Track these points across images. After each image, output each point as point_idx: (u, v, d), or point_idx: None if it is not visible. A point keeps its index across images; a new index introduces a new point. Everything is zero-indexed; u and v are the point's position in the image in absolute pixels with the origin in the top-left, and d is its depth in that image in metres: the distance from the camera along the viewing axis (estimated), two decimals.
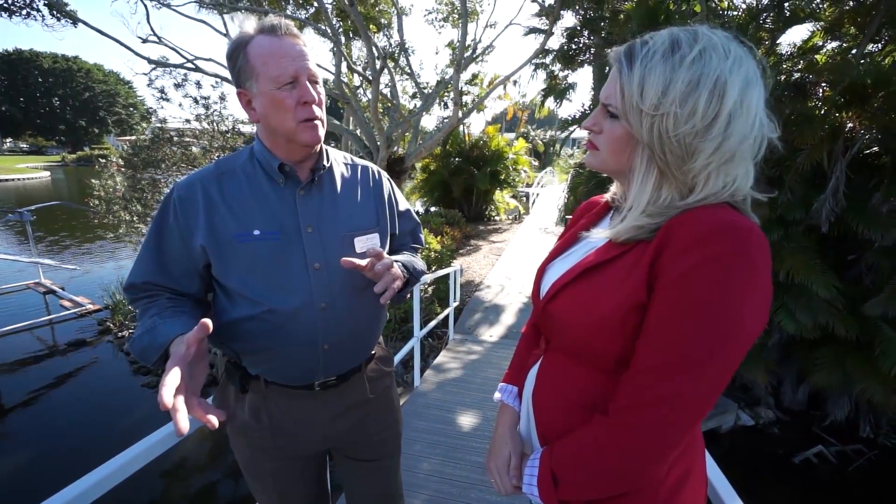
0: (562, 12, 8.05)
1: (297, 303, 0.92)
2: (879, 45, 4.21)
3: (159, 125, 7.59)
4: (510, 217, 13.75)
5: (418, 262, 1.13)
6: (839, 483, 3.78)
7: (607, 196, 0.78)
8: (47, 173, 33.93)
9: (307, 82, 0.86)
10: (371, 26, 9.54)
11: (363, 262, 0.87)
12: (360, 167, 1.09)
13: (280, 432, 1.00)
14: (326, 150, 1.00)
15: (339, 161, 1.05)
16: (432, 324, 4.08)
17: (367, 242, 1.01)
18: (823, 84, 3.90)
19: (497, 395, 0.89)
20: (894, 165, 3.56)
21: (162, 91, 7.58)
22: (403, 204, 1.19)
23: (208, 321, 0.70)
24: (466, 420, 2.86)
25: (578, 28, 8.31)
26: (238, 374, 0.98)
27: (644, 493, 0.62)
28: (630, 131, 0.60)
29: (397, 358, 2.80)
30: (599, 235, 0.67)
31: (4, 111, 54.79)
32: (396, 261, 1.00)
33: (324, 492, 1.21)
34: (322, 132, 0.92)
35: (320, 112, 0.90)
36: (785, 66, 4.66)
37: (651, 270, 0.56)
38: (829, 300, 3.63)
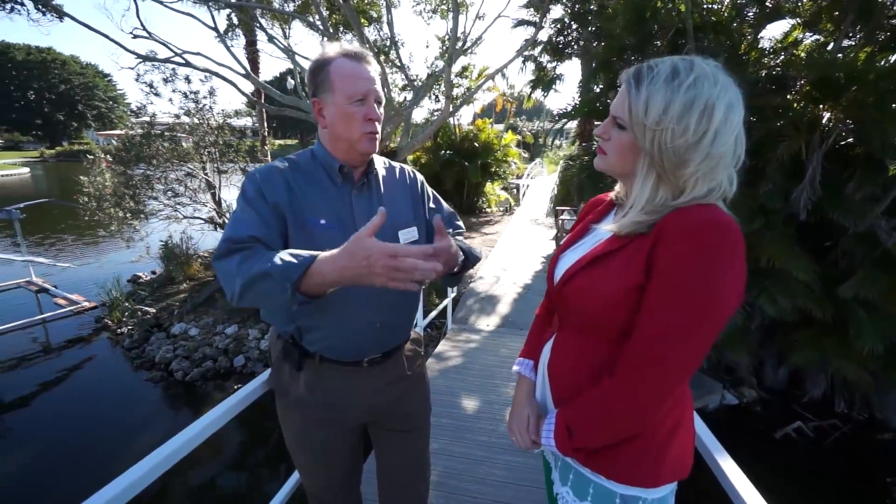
0: (550, 5, 8.14)
1: (354, 289, 1.01)
2: (854, 40, 4.40)
3: (148, 120, 7.52)
4: (501, 209, 13.88)
5: (474, 247, 1.22)
6: (816, 456, 4.04)
7: (612, 195, 0.91)
8: (26, 169, 32.98)
9: (374, 102, 1.03)
10: (361, 20, 9.51)
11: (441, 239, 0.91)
12: (397, 169, 1.25)
13: (332, 405, 1.14)
14: (372, 157, 1.15)
15: (380, 165, 1.20)
16: (433, 314, 4.21)
17: (408, 235, 1.16)
18: (801, 78, 4.08)
19: (515, 367, 1.02)
20: (867, 156, 3.76)
21: (151, 86, 7.50)
22: (435, 197, 1.33)
23: (384, 210, 0.78)
24: (469, 403, 3.01)
25: (567, 21, 8.40)
26: (296, 352, 1.10)
27: (645, 438, 0.76)
28: (635, 141, 0.72)
29: None
30: (605, 229, 0.80)
31: None
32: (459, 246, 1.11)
33: (359, 461, 1.35)
34: (377, 144, 1.08)
35: (379, 127, 1.07)
36: (766, 61, 4.84)
37: (649, 258, 0.70)
38: (807, 284, 3.85)
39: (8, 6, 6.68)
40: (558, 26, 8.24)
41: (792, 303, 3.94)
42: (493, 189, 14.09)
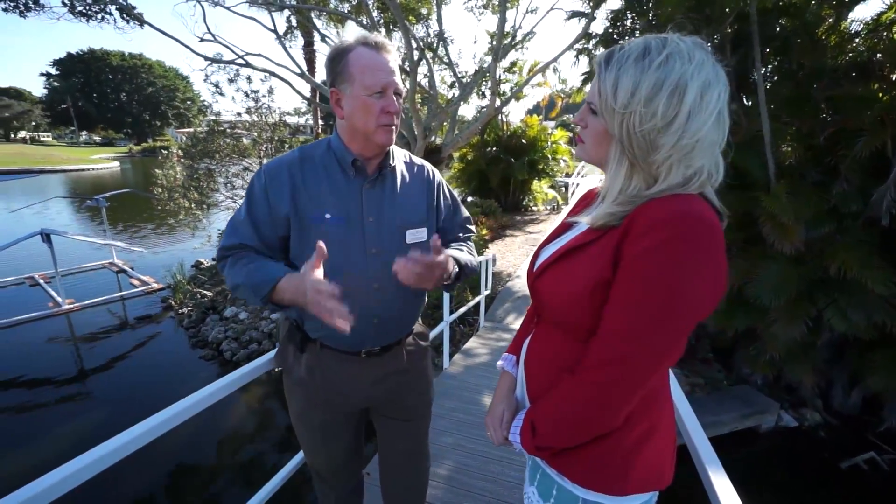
0: None
1: (355, 281, 1.06)
2: None
3: (214, 118, 8.14)
4: (548, 207, 13.55)
5: (472, 258, 1.26)
6: (892, 492, 3.57)
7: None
8: (117, 163, 36.94)
9: (393, 94, 1.01)
10: (410, 17, 9.64)
11: (426, 259, 0.92)
12: (416, 166, 1.22)
13: (330, 389, 1.16)
14: (393, 150, 1.13)
15: (400, 160, 1.18)
16: (462, 310, 4.20)
17: (415, 235, 1.15)
18: (890, 64, 3.59)
19: (499, 363, 0.99)
20: None
21: (217, 86, 8.11)
22: (453, 199, 1.30)
23: (322, 245, 0.88)
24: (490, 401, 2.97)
25: (623, 10, 7.99)
26: (299, 335, 1.14)
27: (610, 442, 0.70)
28: (607, 127, 0.67)
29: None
30: (582, 221, 0.75)
31: (81, 107, 60.06)
32: (452, 257, 1.11)
33: (360, 445, 1.38)
34: (395, 136, 1.07)
35: (397, 120, 1.05)
36: (850, 46, 4.31)
37: (616, 252, 0.65)
38: (886, 298, 3.40)
39: (99, 16, 7.55)
40: (612, 16, 7.83)
41: (867, 318, 3.50)
42: (541, 187, 13.78)
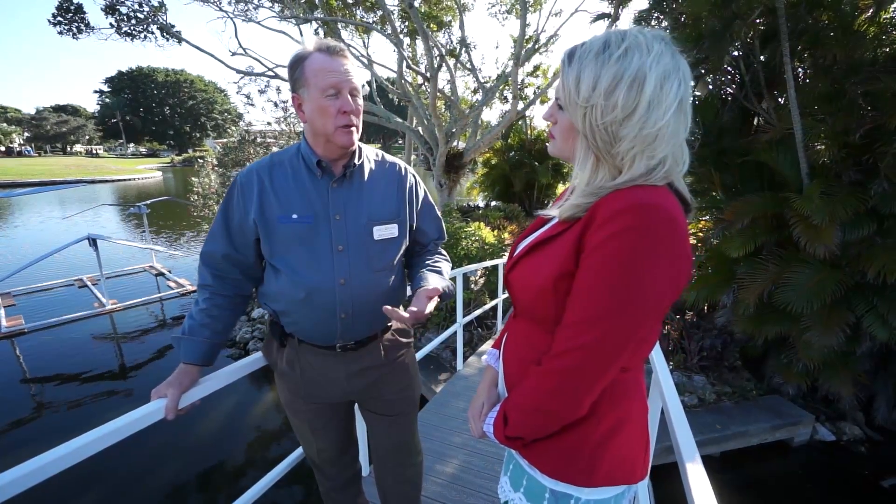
0: None
1: (320, 277, 1.10)
2: None
3: (245, 128, 8.53)
4: None
5: (448, 284, 1.23)
6: None
7: None
8: (160, 173, 39.20)
9: (348, 94, 1.04)
10: (432, 25, 9.78)
11: (405, 315, 1.01)
12: (388, 163, 1.24)
13: (310, 381, 1.21)
14: (360, 148, 1.16)
15: (370, 158, 1.21)
16: (476, 313, 4.19)
17: (385, 231, 1.16)
18: None
19: (484, 357, 1.01)
20: None
21: (248, 97, 8.48)
22: (426, 199, 1.31)
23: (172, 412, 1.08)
24: None
25: (649, 10, 7.84)
26: (278, 330, 1.19)
27: (578, 433, 0.71)
28: (572, 121, 0.69)
29: (438, 341, 2.99)
30: (550, 214, 0.77)
31: (129, 121, 64.08)
32: (429, 291, 1.13)
33: (352, 438, 1.41)
34: (356, 137, 1.09)
35: (356, 120, 1.07)
36: (891, 37, 4.07)
37: (578, 243, 0.66)
38: None
39: (142, 35, 8.11)
40: (637, 16, 7.69)
41: None
42: None
